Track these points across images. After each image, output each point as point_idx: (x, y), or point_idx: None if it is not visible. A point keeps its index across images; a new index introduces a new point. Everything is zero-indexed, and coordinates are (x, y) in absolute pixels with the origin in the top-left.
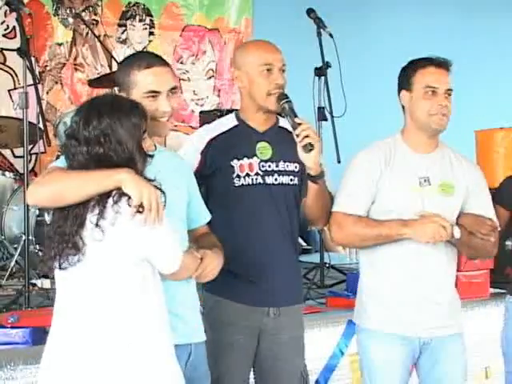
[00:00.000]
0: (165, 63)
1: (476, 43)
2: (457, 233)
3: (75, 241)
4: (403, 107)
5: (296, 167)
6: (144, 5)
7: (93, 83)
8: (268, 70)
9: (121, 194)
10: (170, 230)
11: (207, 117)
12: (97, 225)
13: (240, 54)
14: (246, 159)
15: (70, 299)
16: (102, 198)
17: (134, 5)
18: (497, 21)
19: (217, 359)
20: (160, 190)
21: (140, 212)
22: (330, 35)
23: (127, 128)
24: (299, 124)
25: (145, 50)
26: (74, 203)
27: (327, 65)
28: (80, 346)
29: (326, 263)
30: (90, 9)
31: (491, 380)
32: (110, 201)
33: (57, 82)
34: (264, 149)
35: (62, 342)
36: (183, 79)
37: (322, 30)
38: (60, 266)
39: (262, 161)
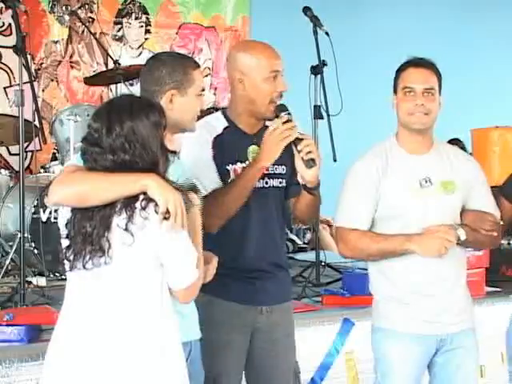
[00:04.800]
0: None
1: (472, 43)
2: (462, 235)
3: (101, 242)
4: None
5: (283, 169)
6: (140, 2)
7: (89, 81)
8: (274, 76)
9: (148, 199)
10: (190, 246)
11: (203, 114)
12: (126, 229)
13: (244, 57)
14: (239, 164)
15: (89, 299)
16: (128, 202)
17: (129, 2)
18: (494, 20)
19: (212, 359)
20: (181, 189)
21: (166, 219)
22: (327, 33)
23: (149, 129)
24: (301, 139)
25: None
26: (98, 205)
27: (323, 63)
28: (98, 344)
29: (321, 261)
30: (86, 6)
31: (486, 379)
32: (138, 205)
33: (53, 80)
34: (255, 152)
35: (79, 339)
36: None
37: (318, 29)
38: (84, 266)
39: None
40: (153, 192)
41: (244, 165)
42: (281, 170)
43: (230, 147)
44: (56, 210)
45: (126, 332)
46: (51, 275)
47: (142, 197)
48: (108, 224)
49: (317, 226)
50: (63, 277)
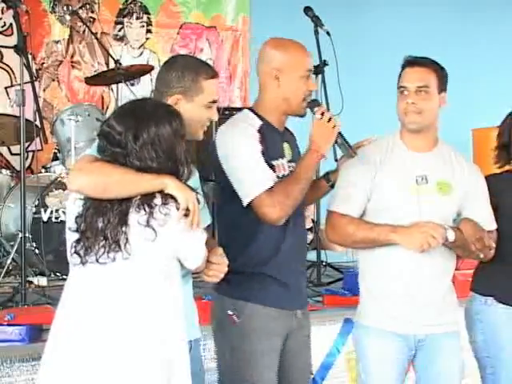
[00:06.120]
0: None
1: (474, 43)
2: (451, 236)
3: (118, 237)
4: None
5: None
6: (141, 2)
7: (90, 81)
8: (308, 75)
9: (167, 196)
10: (201, 231)
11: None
12: (148, 225)
13: (281, 54)
14: (280, 159)
15: (103, 293)
16: (146, 199)
17: (131, 2)
18: (495, 20)
19: (255, 367)
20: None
21: (186, 215)
22: (328, 33)
23: (173, 137)
24: (352, 150)
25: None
26: (116, 198)
27: (324, 63)
28: (111, 336)
29: (322, 261)
30: (87, 6)
31: (468, 380)
32: (158, 202)
33: (54, 80)
34: (287, 149)
35: (85, 332)
36: None
37: (319, 28)
38: (98, 260)
39: (288, 161)
40: (172, 190)
41: (282, 161)
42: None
43: (270, 143)
44: (57, 210)
45: (138, 324)
46: (52, 275)
47: (159, 194)
48: (125, 220)
49: (317, 226)
50: (64, 277)
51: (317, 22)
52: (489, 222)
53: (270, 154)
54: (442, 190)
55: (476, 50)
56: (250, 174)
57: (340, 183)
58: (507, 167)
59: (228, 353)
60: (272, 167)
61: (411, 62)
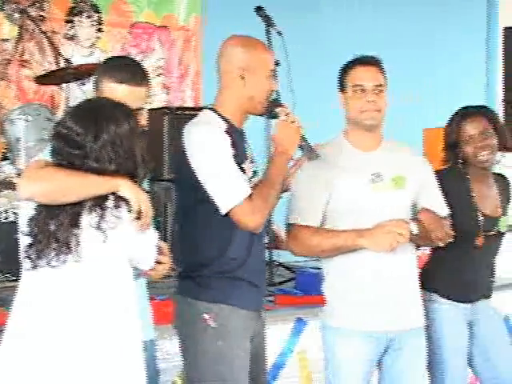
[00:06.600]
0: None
1: (426, 43)
2: (415, 229)
3: (68, 240)
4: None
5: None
6: (92, 1)
7: (40, 80)
8: (272, 74)
9: (119, 198)
10: (153, 232)
11: (156, 114)
12: (99, 227)
13: (247, 53)
14: (246, 162)
15: (54, 296)
16: (98, 201)
17: (81, 1)
18: (447, 21)
19: (233, 369)
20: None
21: (138, 218)
22: (279, 33)
23: (132, 138)
24: (315, 151)
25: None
26: (70, 203)
27: (276, 63)
28: (63, 339)
29: (274, 261)
30: (37, 4)
31: None
32: (110, 204)
33: (3, 79)
34: (248, 150)
35: (41, 335)
36: None
37: (270, 28)
38: (49, 263)
39: (250, 162)
40: (125, 192)
41: (248, 163)
42: (254, 167)
43: (238, 145)
44: (7, 211)
45: (92, 327)
46: (1, 276)
47: (111, 196)
48: (77, 222)
49: (269, 225)
50: (14, 278)
51: (268, 21)
52: (442, 208)
53: (239, 157)
54: (397, 184)
55: (428, 50)
56: (227, 182)
57: (296, 193)
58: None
59: (202, 356)
60: (243, 170)
61: (365, 60)
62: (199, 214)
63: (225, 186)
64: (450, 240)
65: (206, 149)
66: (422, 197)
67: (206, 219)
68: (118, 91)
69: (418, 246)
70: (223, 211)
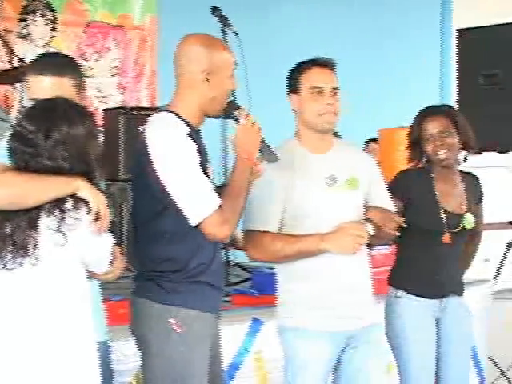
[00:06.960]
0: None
1: (381, 43)
2: (371, 230)
3: (26, 242)
4: (294, 110)
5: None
6: None
7: None
8: (233, 74)
9: (78, 199)
10: (108, 236)
11: (111, 114)
12: (58, 230)
13: (211, 53)
14: (209, 165)
15: (10, 299)
16: (57, 204)
17: None
18: (402, 21)
19: (197, 373)
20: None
21: (97, 220)
22: (235, 33)
23: (86, 137)
24: (275, 154)
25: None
26: (31, 207)
27: (235, 63)
28: (18, 341)
29: (230, 261)
30: None
31: (394, 374)
32: (69, 206)
33: None
34: (207, 152)
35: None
36: (87, 76)
37: (226, 29)
38: (5, 266)
39: (210, 165)
40: (85, 194)
41: (210, 165)
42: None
43: (201, 149)
44: None
45: (46, 329)
46: None
47: (70, 198)
48: (35, 225)
49: None
50: None
51: (224, 22)
52: (391, 206)
53: (203, 162)
54: (351, 185)
55: (384, 51)
56: (196, 194)
57: (253, 199)
58: (420, 164)
59: (163, 360)
60: (207, 175)
61: (322, 62)
62: (166, 218)
63: (194, 198)
64: (402, 225)
65: (173, 157)
66: (372, 194)
67: (175, 225)
68: (39, 82)
69: (370, 246)
70: (193, 223)
